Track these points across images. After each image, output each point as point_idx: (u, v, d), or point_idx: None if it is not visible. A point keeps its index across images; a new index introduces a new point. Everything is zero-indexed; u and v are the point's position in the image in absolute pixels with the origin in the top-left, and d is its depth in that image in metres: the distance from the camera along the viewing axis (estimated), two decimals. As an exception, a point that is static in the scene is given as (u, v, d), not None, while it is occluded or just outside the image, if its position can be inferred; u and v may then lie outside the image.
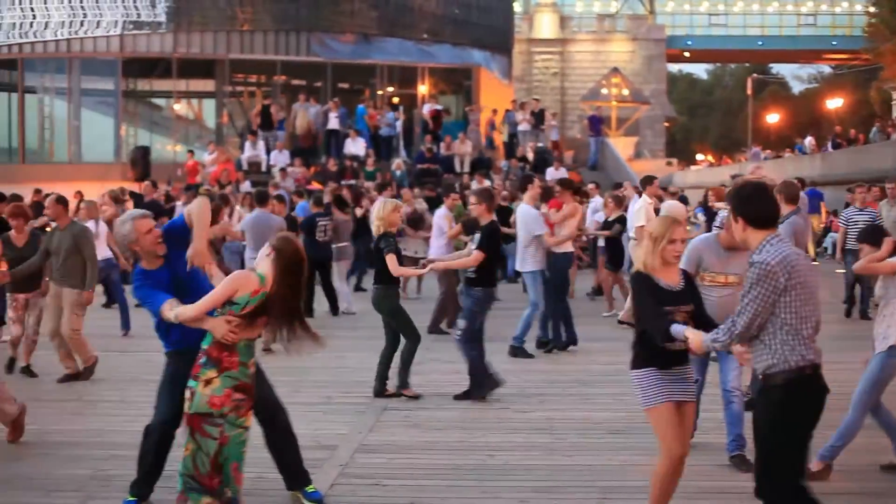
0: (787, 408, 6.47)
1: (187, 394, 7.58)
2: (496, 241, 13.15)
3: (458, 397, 12.52)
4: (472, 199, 13.37)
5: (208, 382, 7.53)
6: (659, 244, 7.38)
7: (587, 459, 9.66)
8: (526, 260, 15.26)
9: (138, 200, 23.32)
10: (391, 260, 12.39)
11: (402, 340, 12.78)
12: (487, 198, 13.24)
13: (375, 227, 12.76)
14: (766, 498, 6.61)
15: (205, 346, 7.58)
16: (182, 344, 7.92)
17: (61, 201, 13.97)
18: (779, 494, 6.56)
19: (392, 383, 12.80)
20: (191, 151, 38.38)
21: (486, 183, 29.05)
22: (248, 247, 16.92)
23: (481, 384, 12.54)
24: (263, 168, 36.10)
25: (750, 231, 6.56)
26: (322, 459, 9.53)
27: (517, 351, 15.15)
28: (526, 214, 15.40)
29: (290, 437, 8.43)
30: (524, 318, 15.25)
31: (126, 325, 17.83)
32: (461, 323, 12.86)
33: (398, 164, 35.06)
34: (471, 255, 12.80)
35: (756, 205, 6.60)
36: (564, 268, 16.26)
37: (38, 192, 26.75)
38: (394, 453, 9.92)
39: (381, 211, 12.74)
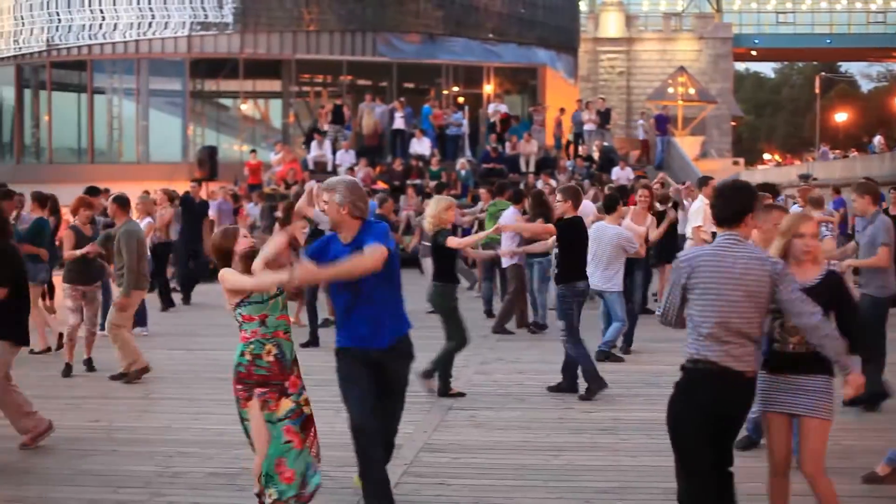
0: (674, 399, 7.09)
1: (306, 394, 7.82)
2: (581, 235, 13.19)
3: (552, 389, 12.71)
4: (559, 196, 13.35)
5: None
6: (784, 239, 7.25)
7: (652, 460, 9.61)
8: (610, 279, 15.00)
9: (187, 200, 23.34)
10: (452, 239, 12.50)
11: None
12: (573, 195, 13.23)
13: (428, 224, 12.85)
14: (678, 488, 6.96)
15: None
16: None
17: (118, 200, 14.23)
18: (684, 485, 7.00)
19: (457, 382, 12.82)
20: (253, 151, 38.54)
21: (552, 182, 28.95)
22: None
23: (596, 379, 12.61)
24: (329, 168, 36.18)
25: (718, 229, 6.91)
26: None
27: (606, 355, 14.96)
28: (618, 235, 15.16)
29: None
30: (613, 329, 15.02)
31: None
32: (560, 324, 12.86)
33: (462, 163, 35.02)
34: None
35: (715, 204, 6.93)
36: (629, 272, 15.94)
37: (106, 191, 26.96)
38: (458, 453, 9.92)
39: (434, 209, 12.82)
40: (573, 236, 13.00)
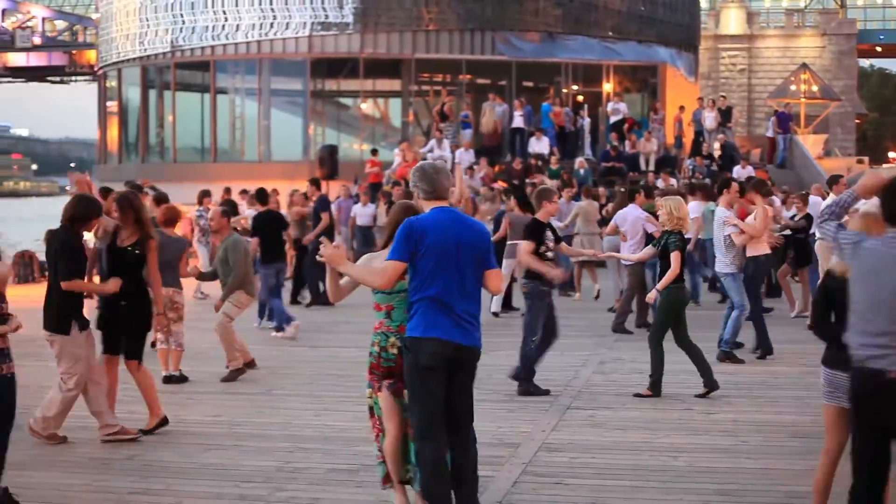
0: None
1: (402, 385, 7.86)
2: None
3: (699, 396, 12.61)
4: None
5: None
6: None
7: (771, 463, 9.52)
8: (723, 262, 15.09)
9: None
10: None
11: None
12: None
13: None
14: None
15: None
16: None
17: (225, 214, 14.62)
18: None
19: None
20: (374, 151, 38.79)
21: (672, 181, 28.77)
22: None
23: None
24: (449, 167, 36.24)
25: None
26: (505, 457, 9.59)
27: (727, 356, 14.86)
28: (719, 217, 15.27)
29: None
30: (732, 320, 14.96)
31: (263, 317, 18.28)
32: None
33: (580, 162, 34.91)
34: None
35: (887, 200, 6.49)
36: (757, 273, 15.79)
37: (227, 190, 27.39)
38: (577, 452, 9.91)
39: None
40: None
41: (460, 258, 7.51)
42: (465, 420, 7.71)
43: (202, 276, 15.08)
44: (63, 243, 10.15)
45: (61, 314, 10.02)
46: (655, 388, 12.52)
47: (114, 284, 10.43)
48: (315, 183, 23.97)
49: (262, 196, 19.64)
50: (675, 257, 12.52)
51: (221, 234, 14.49)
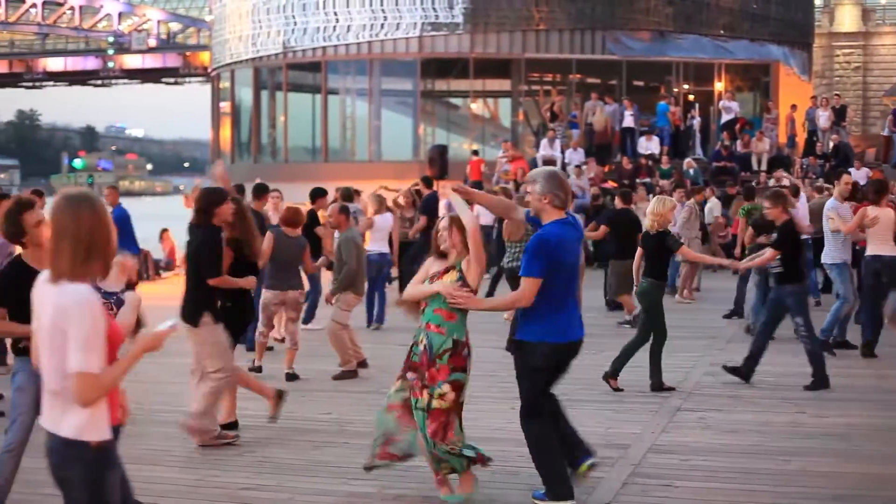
0: None
1: (447, 387, 8.07)
2: (794, 239, 13.21)
3: (808, 388, 12.73)
4: (767, 204, 13.32)
5: (468, 371, 8.24)
6: None
7: (888, 469, 9.38)
8: (829, 252, 15.11)
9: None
10: (687, 251, 12.64)
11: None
12: (781, 199, 13.31)
13: (650, 222, 12.99)
14: None
15: (462, 338, 8.15)
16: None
17: (344, 210, 14.72)
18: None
19: (685, 384, 12.77)
20: (475, 152, 38.79)
21: (785, 181, 28.41)
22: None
23: (821, 377, 12.87)
24: (558, 166, 36.19)
25: None
26: (614, 458, 9.56)
27: (823, 346, 14.72)
28: (830, 209, 15.20)
29: None
30: (833, 311, 14.96)
31: (381, 318, 18.31)
32: (798, 320, 13.00)
33: (689, 162, 34.61)
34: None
35: None
36: (872, 273, 15.40)
37: (339, 189, 27.55)
38: (686, 454, 9.85)
39: (656, 207, 12.99)
40: (787, 241, 12.96)
41: (577, 268, 8.25)
42: None
43: (330, 267, 15.30)
44: (202, 240, 10.39)
45: (197, 308, 10.20)
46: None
47: (251, 281, 10.73)
48: (426, 181, 24.04)
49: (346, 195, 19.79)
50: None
51: (340, 230, 14.66)
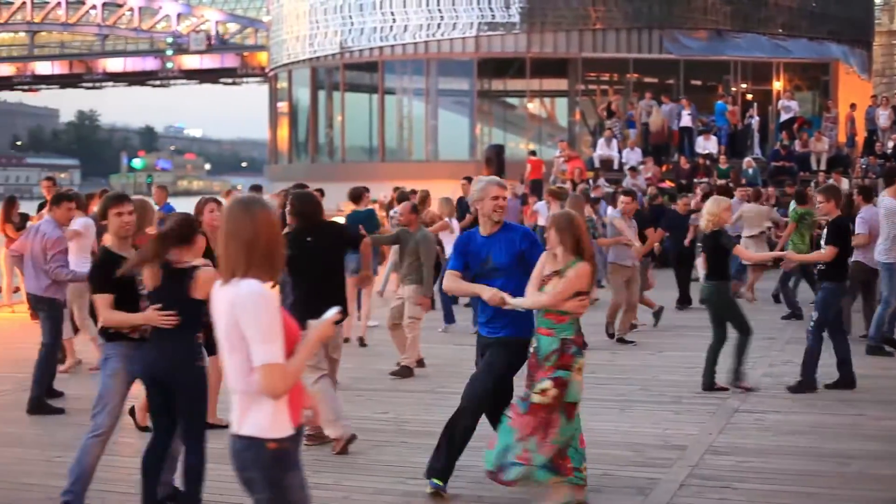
0: None
1: (549, 384, 7.98)
2: (846, 236, 13.09)
3: (791, 389, 12.64)
4: (820, 198, 13.22)
5: (580, 370, 8.09)
6: None
7: (949, 471, 9.30)
8: (882, 251, 15.00)
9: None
10: (741, 250, 12.59)
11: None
12: (835, 194, 13.19)
13: (706, 222, 12.95)
14: None
15: (570, 336, 8.04)
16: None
17: (414, 210, 14.75)
18: None
19: (721, 377, 12.72)
20: (532, 153, 38.73)
21: (844, 181, 28.21)
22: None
23: (809, 380, 12.66)
24: (615, 166, 36.10)
25: None
26: (671, 459, 9.53)
27: (874, 350, 14.74)
28: (888, 208, 15.07)
29: None
30: (876, 315, 14.89)
31: (452, 319, 18.29)
32: (814, 314, 12.82)
33: (748, 161, 34.38)
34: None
35: None
36: None
37: (396, 189, 27.63)
38: (744, 456, 9.78)
39: (713, 207, 12.95)
40: (840, 238, 12.86)
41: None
42: None
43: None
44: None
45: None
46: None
47: None
48: (469, 180, 24.05)
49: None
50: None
51: (410, 229, 14.69)
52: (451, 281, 8.70)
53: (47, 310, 12.47)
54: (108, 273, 7.99)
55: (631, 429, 10.78)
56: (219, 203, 10.89)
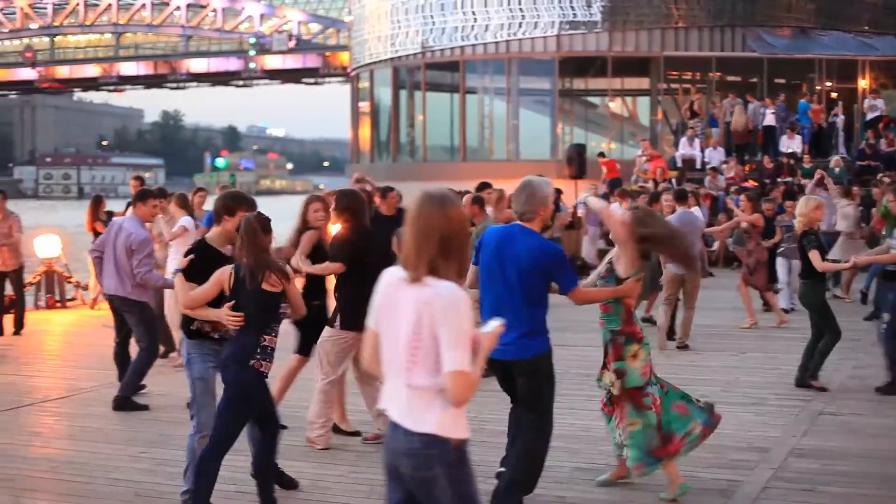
0: None
1: (612, 377, 8.32)
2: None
3: (879, 389, 12.55)
4: (889, 196, 13.12)
5: (635, 356, 8.28)
6: None
7: None
8: None
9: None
10: (815, 256, 12.44)
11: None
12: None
13: (799, 223, 12.90)
14: None
15: (616, 327, 8.31)
16: None
17: (477, 201, 14.79)
18: None
19: (830, 386, 12.62)
20: (601, 154, 38.50)
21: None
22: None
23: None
24: (698, 165, 35.86)
25: None
26: (754, 461, 9.46)
27: None
28: None
29: None
30: None
31: None
32: (885, 316, 12.71)
33: (836, 160, 33.96)
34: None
35: None
36: None
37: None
38: (828, 459, 9.68)
39: (803, 208, 12.92)
40: None
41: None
42: None
43: None
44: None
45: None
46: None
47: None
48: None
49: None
50: None
51: (475, 220, 14.71)
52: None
53: (138, 313, 12.23)
54: (202, 265, 7.98)
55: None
56: (323, 201, 10.61)
